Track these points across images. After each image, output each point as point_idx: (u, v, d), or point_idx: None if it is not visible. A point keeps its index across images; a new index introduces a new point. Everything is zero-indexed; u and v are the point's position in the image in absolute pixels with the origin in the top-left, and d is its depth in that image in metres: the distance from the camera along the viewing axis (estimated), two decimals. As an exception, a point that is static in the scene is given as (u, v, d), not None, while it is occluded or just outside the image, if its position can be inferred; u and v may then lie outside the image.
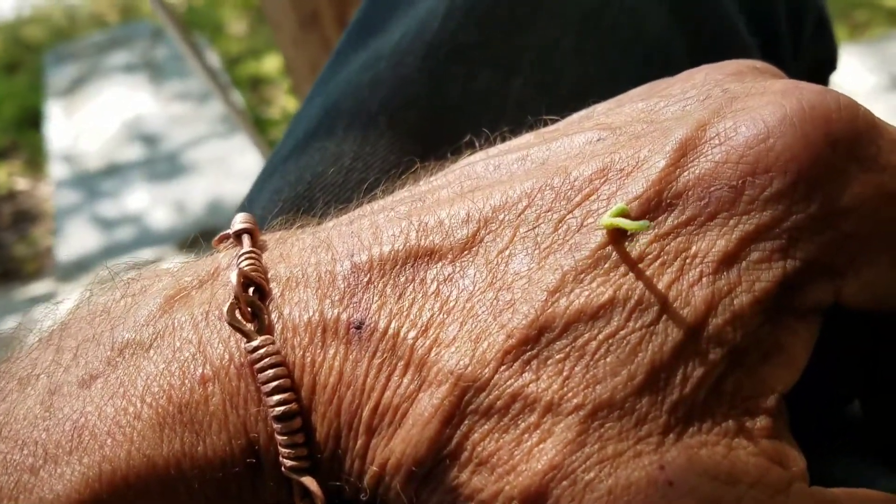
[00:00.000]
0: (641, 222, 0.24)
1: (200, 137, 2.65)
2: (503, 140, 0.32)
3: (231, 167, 2.46)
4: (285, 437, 0.25)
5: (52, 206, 2.55)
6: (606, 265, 0.24)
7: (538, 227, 0.26)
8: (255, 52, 3.12)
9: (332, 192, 0.41)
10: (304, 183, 0.42)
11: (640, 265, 0.24)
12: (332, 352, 0.26)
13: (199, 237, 0.33)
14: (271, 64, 2.97)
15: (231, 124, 2.60)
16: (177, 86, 2.96)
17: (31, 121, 2.99)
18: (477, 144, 0.33)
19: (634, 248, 0.24)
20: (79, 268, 2.19)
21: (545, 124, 0.32)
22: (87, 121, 2.87)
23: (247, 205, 0.44)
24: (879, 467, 0.30)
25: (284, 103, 2.77)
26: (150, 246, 2.20)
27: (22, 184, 2.73)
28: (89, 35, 3.56)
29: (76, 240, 2.32)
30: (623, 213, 0.24)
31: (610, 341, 0.23)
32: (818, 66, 0.58)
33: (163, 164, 2.57)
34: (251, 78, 2.97)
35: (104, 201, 2.45)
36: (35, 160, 2.82)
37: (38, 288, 2.23)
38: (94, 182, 2.55)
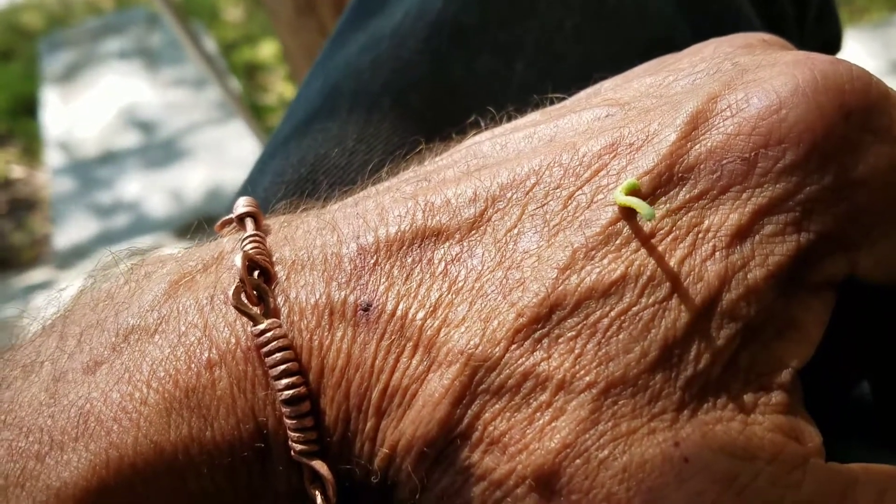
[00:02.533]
0: (649, 210, 0.23)
1: (197, 124, 2.64)
2: (509, 119, 0.32)
3: (228, 154, 2.46)
4: (294, 421, 0.24)
5: (48, 193, 2.54)
6: (618, 241, 0.24)
7: (547, 205, 0.25)
8: (252, 38, 3.11)
9: (336, 175, 0.41)
10: (307, 165, 0.41)
11: (652, 241, 0.24)
12: (339, 334, 0.25)
13: (197, 224, 0.33)
14: (268, 50, 2.96)
15: (228, 111, 2.59)
16: (173, 72, 2.95)
17: (27, 109, 2.98)
18: (482, 124, 0.32)
19: (646, 224, 0.24)
20: (76, 255, 2.19)
21: (551, 103, 0.32)
22: (83, 108, 2.86)
23: (248, 188, 0.43)
24: (887, 449, 0.30)
25: (281, 90, 2.76)
26: (147, 233, 2.20)
27: (18, 172, 2.72)
28: (84, 22, 3.54)
29: (73, 227, 2.31)
30: (634, 189, 0.24)
31: (622, 318, 0.23)
32: (823, 47, 0.57)
33: (159, 151, 2.57)
34: (247, 64, 2.95)
35: (101, 189, 2.45)
36: (31, 148, 2.82)
37: (36, 276, 2.23)
38: (90, 169, 2.54)
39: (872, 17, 2.38)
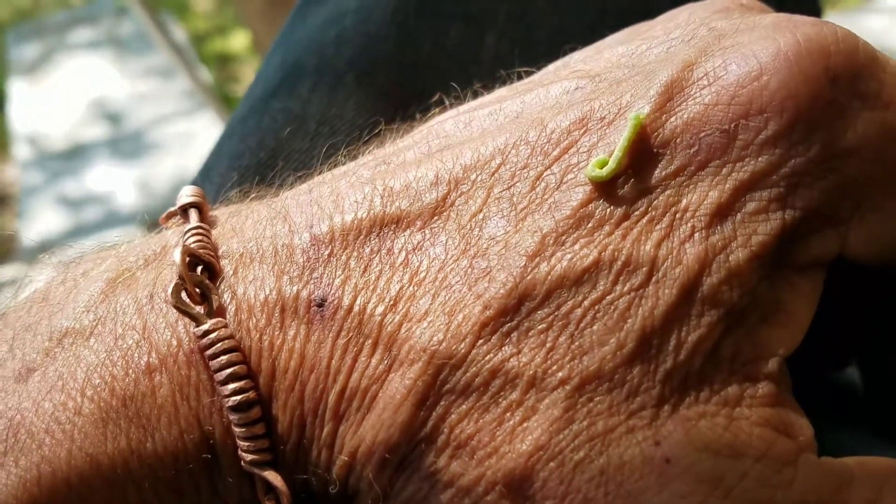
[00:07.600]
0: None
1: (167, 115, 2.60)
2: (475, 97, 0.30)
3: (198, 145, 2.42)
4: (243, 429, 0.23)
5: (17, 189, 2.50)
6: (590, 224, 0.22)
7: (514, 187, 0.24)
8: (223, 29, 3.07)
9: (297, 159, 0.39)
10: (266, 149, 0.39)
11: (627, 223, 0.22)
12: (292, 333, 0.23)
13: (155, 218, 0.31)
14: (239, 41, 2.93)
15: (198, 101, 2.56)
16: (142, 63, 2.91)
17: (-6, 103, 2.93)
18: (447, 102, 0.31)
19: (620, 205, 0.22)
20: (46, 251, 2.16)
21: (520, 77, 0.30)
22: (52, 100, 2.81)
23: (203, 173, 0.41)
24: (879, 436, 0.29)
25: (253, 79, 2.73)
26: (118, 226, 2.17)
27: (-14, 168, 2.67)
28: (53, 14, 3.48)
29: (42, 223, 2.28)
30: (605, 166, 0.22)
31: (596, 308, 0.22)
32: None
33: (129, 142, 2.53)
34: (219, 55, 2.92)
35: (70, 182, 2.41)
36: (-1, 143, 2.77)
37: (5, 273, 2.19)
38: (59, 163, 2.50)
39: (846, 4, 2.37)
